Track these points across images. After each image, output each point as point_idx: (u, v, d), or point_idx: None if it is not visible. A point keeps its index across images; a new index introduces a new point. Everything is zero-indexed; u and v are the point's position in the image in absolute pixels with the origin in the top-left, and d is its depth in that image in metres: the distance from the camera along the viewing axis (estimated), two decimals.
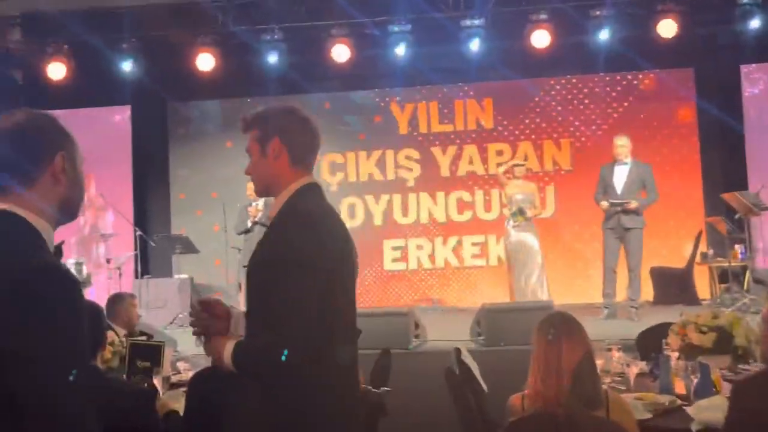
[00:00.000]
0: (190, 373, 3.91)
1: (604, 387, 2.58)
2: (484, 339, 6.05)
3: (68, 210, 1.61)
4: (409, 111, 10.18)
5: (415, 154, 10.12)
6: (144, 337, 4.29)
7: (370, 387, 2.97)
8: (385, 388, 3.13)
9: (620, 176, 7.27)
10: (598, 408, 2.39)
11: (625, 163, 7.27)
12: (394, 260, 9.99)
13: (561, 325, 2.47)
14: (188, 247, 9.03)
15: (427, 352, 5.98)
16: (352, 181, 10.14)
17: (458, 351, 3.80)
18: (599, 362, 3.02)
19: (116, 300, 5.07)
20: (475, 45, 8.77)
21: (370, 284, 9.87)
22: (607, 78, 9.81)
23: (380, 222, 10.04)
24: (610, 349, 3.65)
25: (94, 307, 2.74)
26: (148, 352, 3.71)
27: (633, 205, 7.12)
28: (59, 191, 1.58)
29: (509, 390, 2.92)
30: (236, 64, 9.32)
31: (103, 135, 10.31)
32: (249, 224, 8.14)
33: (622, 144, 7.27)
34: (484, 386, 3.55)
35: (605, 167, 7.41)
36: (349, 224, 2.52)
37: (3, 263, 1.39)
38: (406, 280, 9.94)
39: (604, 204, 7.22)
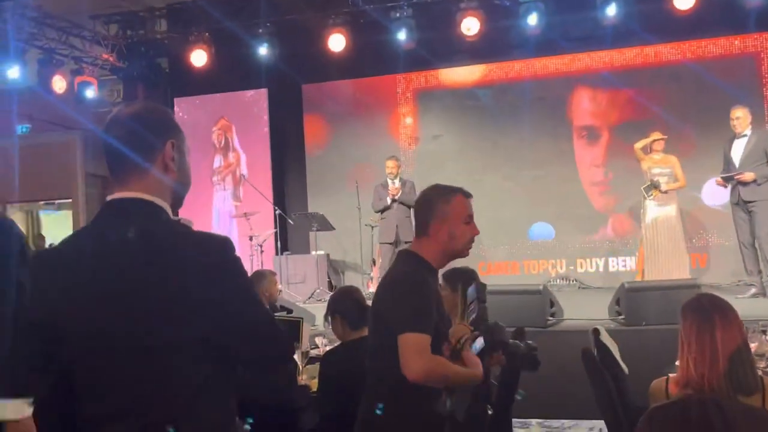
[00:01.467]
0: (328, 349, 4.06)
1: (759, 372, 2.41)
2: (624, 318, 5.86)
3: (176, 199, 1.69)
4: None
5: None
6: (284, 313, 4.47)
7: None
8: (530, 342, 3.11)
9: (738, 149, 7.03)
10: (753, 395, 2.24)
11: (744, 135, 7.01)
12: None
13: (713, 306, 2.31)
14: (324, 225, 9.31)
15: (563, 331, 5.87)
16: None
17: (596, 331, 3.68)
18: (753, 345, 2.83)
19: (258, 277, 5.32)
20: (611, 10, 8.39)
21: (507, 257, 9.80)
22: None
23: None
24: (765, 331, 3.41)
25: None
26: (288, 328, 3.88)
27: (747, 176, 6.83)
28: (169, 179, 1.66)
29: (650, 372, 2.79)
30: (366, 43, 9.44)
31: (242, 118, 10.83)
32: (388, 201, 8.35)
33: (737, 116, 7.03)
34: (625, 368, 3.43)
35: (726, 142, 7.18)
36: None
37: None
38: (543, 254, 9.76)
39: (717, 179, 7.11)
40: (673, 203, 7.43)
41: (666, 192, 7.36)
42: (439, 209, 2.45)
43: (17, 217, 14.07)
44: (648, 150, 7.62)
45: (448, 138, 10.24)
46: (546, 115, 9.81)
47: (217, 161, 10.92)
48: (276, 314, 4.27)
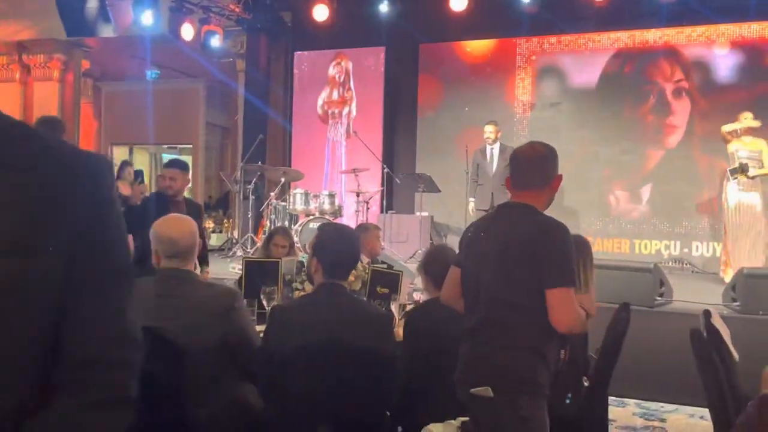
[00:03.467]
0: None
1: None
2: (739, 305, 5.58)
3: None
4: None
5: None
6: (385, 266, 4.53)
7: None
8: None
9: None
10: None
11: None
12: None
13: None
14: (430, 187, 9.31)
15: (671, 313, 5.67)
16: None
17: (708, 313, 3.51)
18: None
19: (362, 229, 5.40)
20: None
21: (617, 234, 9.49)
22: None
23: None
24: None
25: (349, 233, 2.96)
26: (387, 279, 3.93)
27: None
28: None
29: (763, 362, 2.66)
30: (488, 4, 9.24)
31: (359, 75, 10.92)
32: (493, 167, 8.25)
33: None
34: (736, 355, 3.25)
35: None
36: None
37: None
38: (656, 234, 9.38)
39: None
40: (756, 190, 6.99)
41: (753, 178, 6.92)
42: (557, 164, 2.67)
43: (142, 157, 14.92)
44: (737, 134, 7.18)
45: (566, 106, 9.93)
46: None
47: (335, 94, 11.10)
48: (377, 266, 4.33)
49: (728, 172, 7.15)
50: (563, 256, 2.43)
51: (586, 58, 9.83)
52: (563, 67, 9.97)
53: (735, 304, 5.65)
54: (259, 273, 4.06)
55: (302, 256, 6.93)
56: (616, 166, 9.57)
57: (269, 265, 4.14)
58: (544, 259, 2.40)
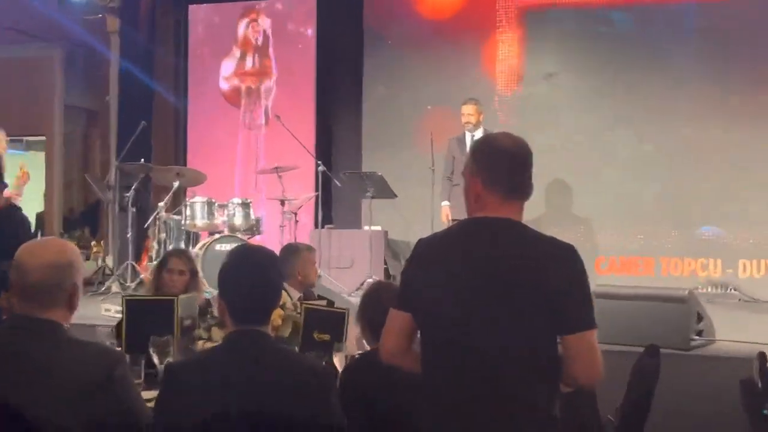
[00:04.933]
0: None
1: None
2: None
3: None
4: None
5: None
6: (324, 302, 4.53)
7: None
8: None
9: None
10: None
11: None
12: None
13: None
14: (383, 191, 9.34)
15: (713, 356, 5.79)
16: None
17: (764, 357, 3.63)
18: None
19: (289, 252, 5.39)
20: None
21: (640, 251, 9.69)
22: None
23: None
24: None
25: (266, 259, 2.93)
26: (328, 321, 3.92)
27: None
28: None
29: None
30: None
31: (282, 37, 10.90)
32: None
33: None
34: None
35: None
36: None
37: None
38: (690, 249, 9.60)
39: None
40: None
41: None
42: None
43: None
44: None
45: (566, 78, 10.10)
46: (715, 53, 9.57)
47: (248, 63, 11.07)
48: (312, 302, 4.33)
49: None
50: (585, 288, 2.53)
51: (592, 10, 10.02)
52: (560, 23, 10.14)
53: None
54: (147, 317, 4.00)
55: (207, 291, 6.88)
56: (638, 158, 9.77)
57: (161, 306, 4.08)
58: (562, 295, 2.48)
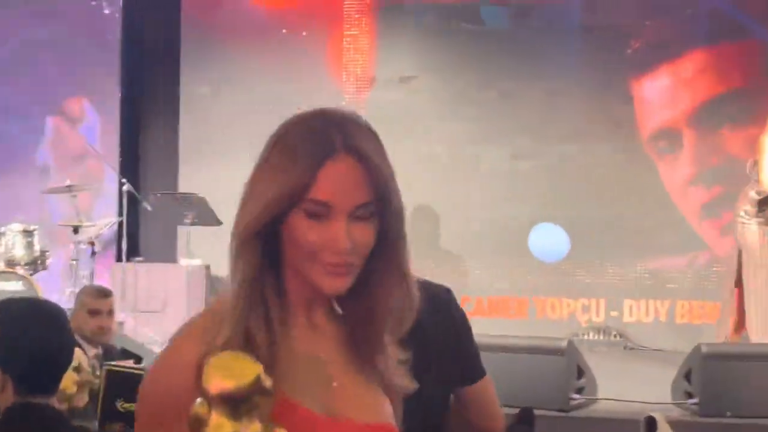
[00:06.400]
0: None
1: None
2: (698, 404, 5.96)
3: None
4: None
5: None
6: (130, 362, 4.44)
7: None
8: None
9: None
10: None
11: None
12: None
13: None
14: (205, 216, 9.23)
15: (596, 418, 5.94)
16: None
17: (652, 422, 3.77)
18: None
19: (81, 297, 5.34)
20: None
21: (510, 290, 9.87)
22: None
23: None
24: None
25: (53, 311, 2.86)
26: (135, 386, 3.80)
27: None
28: None
29: None
30: None
31: (77, 19, 10.63)
32: None
33: None
34: None
35: None
36: None
37: None
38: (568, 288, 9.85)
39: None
40: None
41: None
42: None
43: None
44: None
45: (426, 82, 10.27)
46: (599, 57, 9.92)
47: None
48: (115, 363, 4.22)
49: (754, 200, 7.53)
50: (470, 332, 2.88)
51: (457, 5, 10.24)
52: (419, 18, 10.33)
53: (691, 401, 6.00)
54: None
55: None
56: (510, 177, 9.99)
57: None
58: (454, 346, 2.70)
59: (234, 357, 1.39)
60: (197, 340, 1.55)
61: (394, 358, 1.76)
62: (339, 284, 1.61)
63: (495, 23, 10.27)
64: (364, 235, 1.62)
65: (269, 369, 1.41)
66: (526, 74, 10.00)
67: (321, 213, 1.59)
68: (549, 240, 9.79)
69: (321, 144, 1.62)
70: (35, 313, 2.85)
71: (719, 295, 9.31)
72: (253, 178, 1.75)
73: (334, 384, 1.67)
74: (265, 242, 1.62)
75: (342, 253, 1.58)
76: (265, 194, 1.65)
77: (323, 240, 1.58)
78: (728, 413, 5.80)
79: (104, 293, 5.50)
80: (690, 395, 6.06)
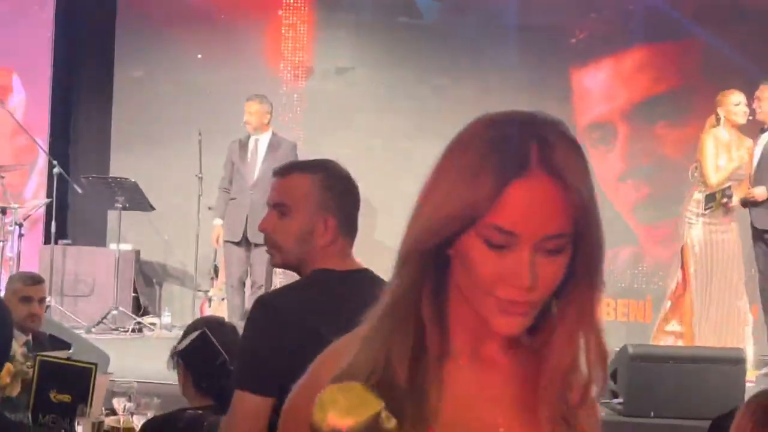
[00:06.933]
0: (136, 420, 4.00)
1: None
2: (622, 404, 6.06)
3: None
4: None
5: None
6: (62, 352, 4.41)
7: None
8: None
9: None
10: None
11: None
12: None
13: None
14: (136, 201, 9.20)
15: None
16: None
17: None
18: None
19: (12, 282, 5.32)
20: None
21: None
22: None
23: None
24: None
25: None
26: (69, 378, 3.81)
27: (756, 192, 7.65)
28: None
29: None
30: None
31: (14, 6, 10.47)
32: (254, 175, 8.24)
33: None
34: None
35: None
36: None
37: None
38: None
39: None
40: (733, 223, 7.69)
41: (730, 205, 7.60)
42: None
43: None
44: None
45: (363, 73, 10.32)
46: (537, 55, 10.05)
47: None
48: (49, 354, 4.19)
49: (701, 199, 7.62)
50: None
51: None
52: (357, 9, 10.35)
53: (616, 401, 6.11)
54: None
55: None
56: None
57: None
58: None
59: (351, 390, 1.22)
60: (334, 364, 1.37)
61: (589, 415, 1.45)
62: (513, 325, 1.34)
63: (431, 17, 10.32)
64: (552, 271, 1.33)
65: (409, 406, 1.26)
66: (462, 70, 10.08)
67: (502, 242, 1.31)
68: None
69: (510, 157, 1.31)
70: None
71: (646, 293, 9.50)
72: (426, 188, 1.43)
73: (501, 430, 1.40)
74: (430, 260, 1.36)
75: (522, 290, 1.31)
76: (437, 210, 1.36)
77: (501, 273, 1.31)
78: (652, 413, 5.91)
79: (36, 280, 5.44)
80: (615, 395, 6.14)
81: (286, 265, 2.82)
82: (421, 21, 10.31)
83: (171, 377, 3.98)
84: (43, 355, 4.07)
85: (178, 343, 3.61)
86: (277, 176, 2.85)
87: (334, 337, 2.58)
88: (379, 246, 9.86)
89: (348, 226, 2.77)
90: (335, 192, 2.78)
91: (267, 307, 2.73)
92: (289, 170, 2.86)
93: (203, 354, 3.12)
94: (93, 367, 3.87)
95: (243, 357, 2.73)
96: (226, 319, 8.34)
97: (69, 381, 3.84)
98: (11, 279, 5.55)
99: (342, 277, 2.73)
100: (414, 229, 1.37)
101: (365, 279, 2.74)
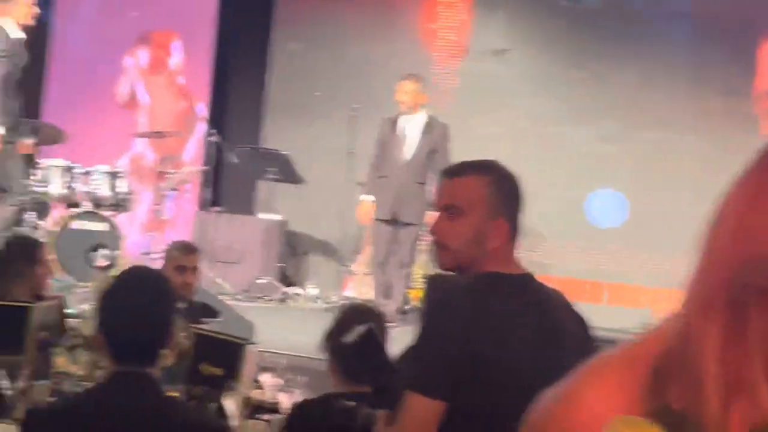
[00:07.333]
0: (282, 397, 4.06)
1: None
2: None
3: None
4: None
5: None
6: (215, 324, 4.50)
7: None
8: None
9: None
10: None
11: None
12: None
13: None
14: (287, 173, 9.31)
15: None
16: None
17: None
18: None
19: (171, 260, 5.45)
20: None
21: (588, 271, 9.78)
22: None
23: None
24: None
25: (159, 281, 2.92)
26: (221, 352, 3.88)
27: None
28: None
29: None
30: None
31: None
32: (407, 154, 8.30)
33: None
34: None
35: None
36: None
37: None
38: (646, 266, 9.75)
39: None
40: None
41: None
42: None
43: None
44: None
45: (520, 56, 10.20)
46: (703, 44, 9.82)
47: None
48: (202, 327, 4.28)
49: None
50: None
51: None
52: None
53: None
54: None
55: (61, 280, 6.70)
56: (593, 160, 9.94)
57: (11, 313, 4.00)
58: None
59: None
60: (615, 390, 1.07)
61: None
62: None
63: (592, 1, 10.16)
64: None
65: None
66: (622, 57, 9.89)
67: None
68: (606, 204, 9.73)
69: None
70: (139, 283, 2.92)
71: None
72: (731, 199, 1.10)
73: None
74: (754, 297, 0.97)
75: None
76: (745, 233, 1.02)
77: None
78: None
79: (191, 249, 5.57)
80: None
81: (454, 268, 2.76)
82: (581, 4, 10.14)
83: (316, 351, 4.02)
84: (197, 328, 4.17)
85: (335, 330, 3.62)
86: (446, 177, 2.80)
87: (513, 342, 2.60)
88: (523, 229, 9.82)
89: (516, 229, 2.73)
90: (507, 195, 2.75)
91: (447, 308, 2.69)
92: (459, 172, 2.80)
93: (366, 350, 3.12)
94: (244, 343, 3.95)
95: (419, 358, 2.70)
96: (371, 296, 8.51)
97: (220, 354, 3.92)
98: (169, 248, 5.68)
99: (513, 281, 2.70)
100: (712, 251, 1.05)
101: (533, 283, 2.74)
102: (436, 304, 2.76)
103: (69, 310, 5.08)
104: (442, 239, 2.72)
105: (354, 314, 3.74)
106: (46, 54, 10.80)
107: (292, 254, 10.10)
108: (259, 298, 9.01)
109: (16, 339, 3.85)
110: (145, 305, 2.81)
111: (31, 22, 7.84)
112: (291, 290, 9.42)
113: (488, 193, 2.70)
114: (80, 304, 5.64)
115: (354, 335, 3.24)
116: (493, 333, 2.59)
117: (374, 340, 2.92)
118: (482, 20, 10.27)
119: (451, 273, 2.84)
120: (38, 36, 10.96)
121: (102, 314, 2.82)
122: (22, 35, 7.78)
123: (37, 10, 7.82)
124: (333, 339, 3.60)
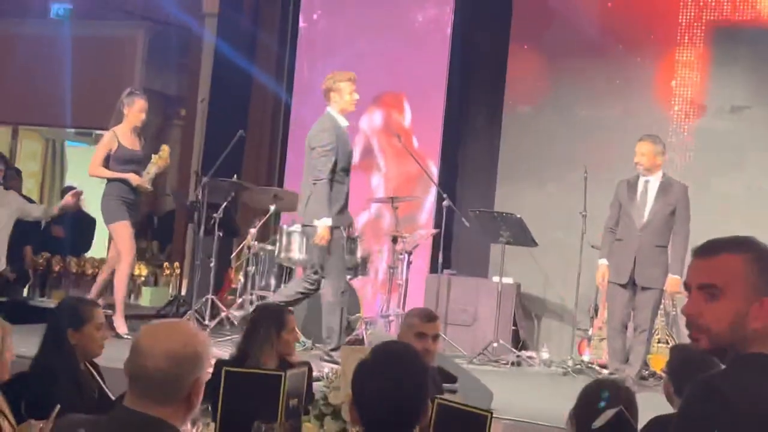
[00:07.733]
0: None
1: None
2: None
3: None
4: None
5: None
6: (454, 389, 4.51)
7: None
8: None
9: None
10: None
11: None
12: None
13: None
14: (520, 236, 9.28)
15: None
16: None
17: None
18: None
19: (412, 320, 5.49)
20: None
21: None
22: None
23: None
24: None
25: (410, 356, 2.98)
26: (464, 425, 3.86)
27: None
28: None
29: None
30: None
31: (412, 33, 10.89)
32: (644, 216, 8.21)
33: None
34: None
35: None
36: None
37: None
38: None
39: None
40: None
41: None
42: None
43: (30, 146, 15.05)
44: None
45: (758, 112, 9.92)
46: None
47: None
48: (442, 397, 4.30)
49: None
50: None
51: None
52: (757, 44, 9.97)
53: None
54: (245, 391, 4.05)
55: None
56: None
57: (264, 381, 4.13)
58: None
59: None
60: None
61: None
62: None
63: None
64: None
65: None
66: None
67: None
68: None
69: None
70: (391, 358, 2.99)
71: None
72: None
73: None
74: None
75: None
76: None
77: None
78: None
79: (432, 317, 5.60)
80: None
81: (712, 351, 2.66)
82: None
83: (557, 419, 3.97)
84: (441, 399, 4.19)
85: (582, 408, 3.60)
86: (700, 256, 2.69)
87: None
88: None
89: None
90: (767, 272, 2.59)
91: (714, 392, 2.52)
92: (716, 249, 2.66)
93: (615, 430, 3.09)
94: (489, 415, 3.93)
95: None
96: (605, 360, 8.39)
97: (464, 425, 3.91)
98: (409, 314, 5.73)
99: None
100: None
101: None
102: (702, 387, 2.64)
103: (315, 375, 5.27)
104: (699, 321, 2.60)
105: (601, 391, 3.67)
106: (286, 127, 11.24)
107: (526, 317, 10.07)
108: (493, 361, 8.98)
109: (270, 406, 3.99)
110: (401, 382, 2.87)
111: (353, 108, 8.18)
112: (525, 353, 9.37)
113: (748, 272, 2.57)
114: (323, 369, 5.80)
115: (604, 419, 3.20)
116: (762, 421, 2.45)
117: (624, 424, 2.88)
118: (720, 77, 10.05)
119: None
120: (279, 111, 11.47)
121: (357, 389, 2.89)
122: (347, 123, 8.14)
123: (357, 96, 8.11)
124: (580, 418, 3.57)
